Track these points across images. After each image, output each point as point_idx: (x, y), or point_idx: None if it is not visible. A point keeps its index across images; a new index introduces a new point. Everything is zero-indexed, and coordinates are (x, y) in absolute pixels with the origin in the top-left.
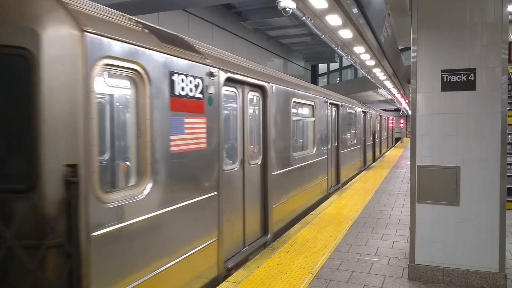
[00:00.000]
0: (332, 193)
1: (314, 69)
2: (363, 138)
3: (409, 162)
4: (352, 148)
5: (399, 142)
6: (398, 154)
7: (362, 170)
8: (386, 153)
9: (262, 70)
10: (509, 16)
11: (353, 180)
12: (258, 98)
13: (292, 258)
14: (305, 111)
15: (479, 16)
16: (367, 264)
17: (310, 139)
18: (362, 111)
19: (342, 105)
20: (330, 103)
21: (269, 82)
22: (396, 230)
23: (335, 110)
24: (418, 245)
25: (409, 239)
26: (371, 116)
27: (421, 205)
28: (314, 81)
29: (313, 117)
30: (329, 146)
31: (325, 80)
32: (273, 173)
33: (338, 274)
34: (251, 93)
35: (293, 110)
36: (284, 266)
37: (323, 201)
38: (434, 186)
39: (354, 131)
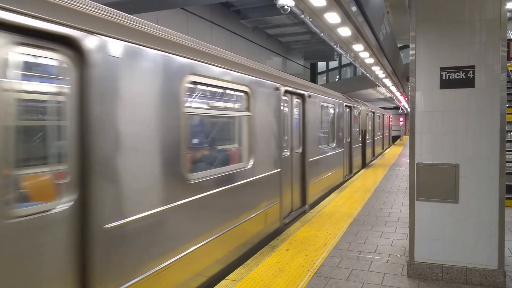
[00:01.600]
0: (291, 222)
1: (314, 67)
2: (348, 140)
3: (408, 160)
4: (330, 153)
5: (399, 140)
6: (397, 152)
7: (347, 180)
8: (382, 154)
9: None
10: (508, 14)
11: (336, 191)
12: (64, 64)
13: (292, 256)
14: (231, 100)
15: (478, 13)
16: (366, 261)
17: (244, 147)
18: (346, 106)
19: (310, 96)
20: (288, 92)
21: (95, 33)
22: (395, 228)
23: (298, 102)
24: (418, 243)
25: (408, 236)
26: (359, 112)
27: (420, 202)
28: (314, 79)
29: (249, 111)
30: (288, 153)
31: (324, 78)
32: (112, 224)
33: (337, 272)
34: (26, 50)
35: (192, 98)
36: (284, 264)
37: (271, 239)
38: (433, 183)
39: (333, 131)
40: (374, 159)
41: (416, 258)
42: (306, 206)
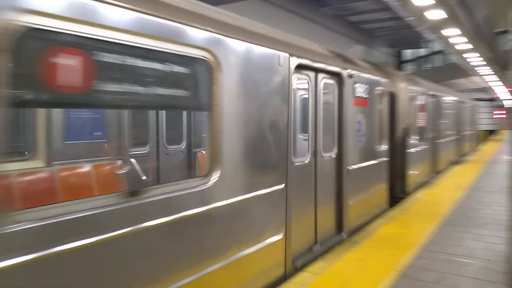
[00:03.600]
0: None
1: (398, 55)
2: (332, 153)
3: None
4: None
5: (494, 135)
6: (493, 150)
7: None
8: (463, 159)
9: None
10: None
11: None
12: None
13: (375, 253)
14: None
15: None
16: (458, 265)
17: None
18: (325, 72)
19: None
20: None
21: None
22: (492, 231)
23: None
24: None
25: (510, 241)
26: (390, 94)
27: None
28: (399, 68)
29: None
30: None
31: (410, 67)
32: None
33: (425, 274)
34: None
35: None
36: (366, 261)
37: None
38: None
39: (253, 145)
40: (434, 176)
41: None
42: None
